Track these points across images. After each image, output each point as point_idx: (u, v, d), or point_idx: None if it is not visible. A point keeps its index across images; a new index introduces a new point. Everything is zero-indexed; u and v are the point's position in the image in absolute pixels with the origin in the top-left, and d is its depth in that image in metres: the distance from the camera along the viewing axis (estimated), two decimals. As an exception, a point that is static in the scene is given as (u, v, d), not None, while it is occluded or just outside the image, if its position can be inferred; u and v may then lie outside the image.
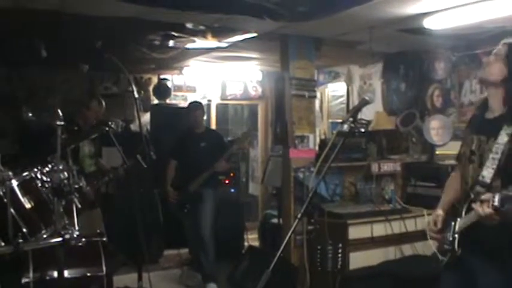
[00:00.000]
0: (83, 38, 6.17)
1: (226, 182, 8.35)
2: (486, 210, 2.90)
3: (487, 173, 3.18)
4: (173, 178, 6.89)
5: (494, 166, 3.16)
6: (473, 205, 3.05)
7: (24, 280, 4.16)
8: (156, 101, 9.58)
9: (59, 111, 3.92)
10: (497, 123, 3.24)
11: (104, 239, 4.63)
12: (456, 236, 3.40)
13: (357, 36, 6.33)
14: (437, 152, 7.08)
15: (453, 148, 6.80)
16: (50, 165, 4.37)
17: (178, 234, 7.34)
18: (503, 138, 3.17)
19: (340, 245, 5.68)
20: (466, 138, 3.52)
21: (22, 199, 4.14)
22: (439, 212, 3.67)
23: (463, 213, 3.34)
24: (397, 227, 6.01)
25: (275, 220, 7.24)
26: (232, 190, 8.59)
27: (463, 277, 3.44)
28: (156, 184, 7.05)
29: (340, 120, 8.72)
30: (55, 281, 4.06)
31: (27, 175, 4.23)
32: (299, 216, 3.20)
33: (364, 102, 3.30)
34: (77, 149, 5.67)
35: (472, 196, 3.22)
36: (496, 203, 2.82)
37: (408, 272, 5.66)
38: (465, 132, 3.61)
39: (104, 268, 4.45)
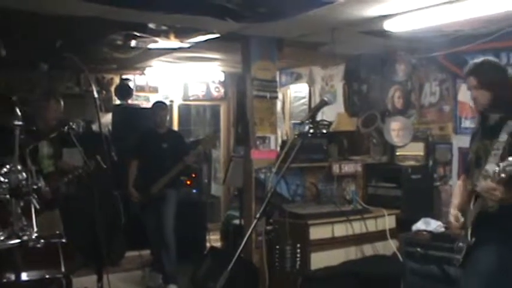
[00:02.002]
0: (43, 37, 6.09)
1: (188, 182, 8.34)
2: (489, 184, 3.30)
3: (490, 167, 3.41)
4: (135, 178, 6.85)
5: (497, 159, 3.40)
6: (477, 187, 3.44)
7: (-20, 283, 4.10)
8: (118, 101, 9.51)
9: (18, 110, 3.87)
10: (497, 125, 3.56)
11: (63, 240, 4.58)
12: (469, 227, 3.65)
13: (319, 38, 6.37)
14: (397, 153, 7.16)
15: (413, 149, 6.94)
16: (7, 166, 4.31)
17: (140, 235, 7.30)
18: (503, 136, 3.46)
19: (299, 245, 5.70)
20: (471, 148, 3.84)
21: (-22, 200, 4.08)
22: (455, 211, 3.86)
23: (471, 206, 3.64)
24: (358, 227, 6.05)
25: (237, 221, 7.25)
26: (195, 191, 8.57)
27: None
28: (118, 185, 7.01)
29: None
30: (12, 284, 4.00)
31: (-17, 176, 4.17)
32: (257, 216, 3.22)
33: (323, 103, 3.33)
34: (35, 149, 5.58)
35: (477, 188, 3.51)
36: (498, 171, 3.19)
37: (369, 272, 5.72)
38: (470, 145, 3.92)
39: (63, 269, 4.40)
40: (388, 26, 5.57)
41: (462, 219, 3.74)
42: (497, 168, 3.23)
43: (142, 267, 7.50)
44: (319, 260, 5.75)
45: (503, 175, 3.18)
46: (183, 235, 7.00)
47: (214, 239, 8.27)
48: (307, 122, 3.22)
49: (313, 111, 3.28)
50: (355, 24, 5.69)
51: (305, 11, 5.15)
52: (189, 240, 7.52)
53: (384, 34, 5.94)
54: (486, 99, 3.66)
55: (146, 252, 7.69)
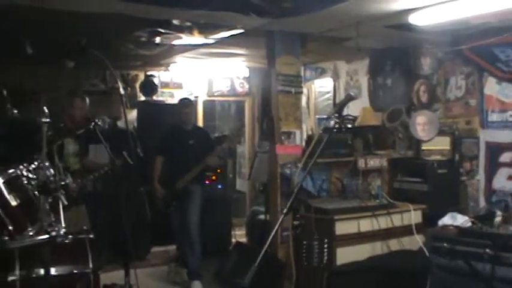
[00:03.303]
0: (68, 35, 6.14)
1: (214, 178, 8.36)
2: None
3: None
4: (160, 174, 6.88)
5: None
6: None
7: (10, 278, 4.14)
8: (142, 98, 9.57)
9: (45, 108, 3.91)
10: None
11: (91, 235, 4.62)
12: None
13: (344, 32, 6.33)
14: (423, 148, 7.10)
15: (439, 144, 6.89)
16: (35, 163, 4.37)
17: (165, 231, 7.34)
18: None
19: (327, 240, 5.69)
20: None
21: (8, 196, 4.14)
22: None
23: None
24: (383, 222, 6.02)
25: (262, 216, 7.26)
26: (220, 186, 8.59)
27: None
28: (143, 181, 7.05)
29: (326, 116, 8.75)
30: (42, 279, 4.05)
31: (13, 172, 4.22)
32: (285, 211, 3.21)
33: (349, 98, 3.32)
34: (61, 147, 5.64)
35: None
36: None
37: (395, 267, 5.68)
38: None
39: (91, 265, 4.44)
40: (413, 19, 5.53)
41: None
42: None
43: (167, 263, 7.55)
44: (345, 255, 5.74)
45: None
46: (209, 230, 7.03)
47: (239, 234, 8.30)
48: (333, 116, 3.21)
49: (339, 106, 3.28)
50: (380, 18, 5.66)
51: (330, 5, 5.13)
52: (215, 235, 7.55)
53: (409, 28, 5.89)
54: None
55: (172, 248, 7.73)
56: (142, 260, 7.71)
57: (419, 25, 5.71)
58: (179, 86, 9.97)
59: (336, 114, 3.20)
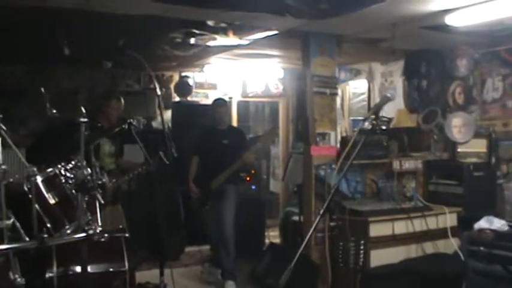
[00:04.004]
0: (105, 36, 6.21)
1: (248, 179, 8.38)
2: None
3: None
4: (195, 174, 6.92)
5: None
6: None
7: (48, 275, 4.21)
8: (177, 98, 9.63)
9: (83, 108, 3.96)
10: None
11: (126, 234, 4.67)
12: None
13: (379, 34, 6.31)
14: (459, 150, 7.04)
15: (475, 146, 6.81)
16: (73, 162, 4.43)
17: (199, 231, 7.38)
18: None
19: (363, 242, 5.67)
20: None
21: (46, 195, 4.21)
22: None
23: None
24: (418, 224, 5.98)
25: (296, 217, 7.25)
26: (253, 187, 8.60)
27: None
28: (178, 181, 7.10)
29: (361, 118, 8.70)
30: (78, 276, 4.10)
31: (51, 171, 4.30)
32: (321, 212, 3.21)
33: (386, 100, 3.31)
34: (97, 147, 5.70)
35: None
36: None
37: (430, 270, 5.65)
38: None
39: (127, 263, 4.49)
40: (450, 20, 5.49)
41: None
42: None
43: (201, 263, 7.59)
44: (379, 257, 5.72)
45: None
46: (242, 231, 7.04)
47: (272, 235, 8.30)
48: (370, 118, 3.20)
49: (376, 107, 3.27)
50: (416, 19, 5.62)
51: (366, 6, 5.11)
52: (248, 236, 7.56)
53: (445, 29, 5.84)
54: None
55: (205, 248, 7.76)
56: (177, 260, 7.75)
57: (455, 26, 5.66)
58: (213, 87, 10.01)
59: (373, 116, 3.19)
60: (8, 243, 3.64)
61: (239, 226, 6.87)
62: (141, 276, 5.80)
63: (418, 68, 7.56)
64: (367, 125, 3.34)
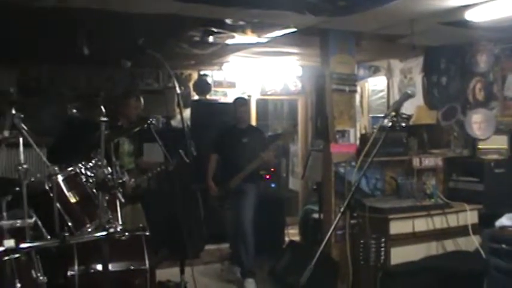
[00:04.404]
0: (124, 35, 6.23)
1: (267, 177, 8.38)
2: None
3: None
4: (214, 173, 6.94)
5: None
6: None
7: (69, 273, 4.25)
8: (196, 97, 9.65)
9: (102, 107, 3.98)
10: None
11: (147, 233, 4.69)
12: None
13: (398, 30, 6.27)
14: (479, 147, 6.99)
15: (496, 142, 6.76)
16: (93, 161, 4.46)
17: (219, 229, 7.39)
18: None
19: (384, 239, 5.65)
20: None
21: (67, 194, 4.25)
22: None
23: None
24: (439, 222, 5.96)
25: (316, 215, 7.24)
26: (273, 185, 8.61)
27: None
28: (197, 179, 7.12)
29: (381, 115, 8.67)
30: (99, 274, 4.14)
31: (72, 170, 4.34)
32: (342, 210, 3.20)
33: (406, 96, 3.30)
34: (117, 146, 5.73)
35: None
36: None
37: (451, 268, 5.61)
38: None
39: (147, 262, 4.52)
40: (470, 15, 5.44)
41: None
42: None
43: (221, 261, 7.61)
44: (400, 254, 5.70)
45: None
46: (262, 229, 7.04)
47: (292, 233, 8.30)
48: (390, 115, 3.19)
49: (396, 104, 3.26)
50: (435, 15, 5.57)
51: (385, 3, 5.08)
52: (268, 234, 7.57)
53: (465, 24, 5.80)
54: None
55: (225, 246, 7.78)
56: (196, 258, 7.78)
57: (475, 21, 5.61)
58: (232, 85, 10.01)
59: (393, 113, 3.18)
60: (30, 242, 3.66)
61: (259, 224, 6.87)
62: (162, 274, 5.83)
63: (438, 64, 7.52)
64: (386, 122, 3.33)
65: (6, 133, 4.08)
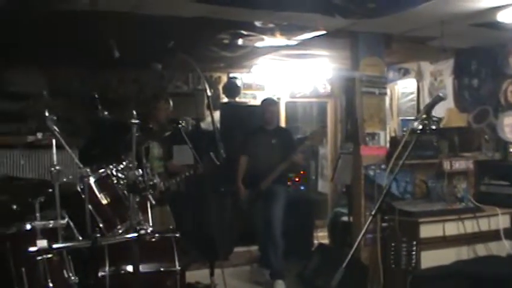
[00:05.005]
0: (155, 38, 6.28)
1: (296, 179, 8.37)
2: None
3: None
4: (244, 174, 6.93)
5: None
6: None
7: (100, 273, 4.29)
8: (225, 99, 9.68)
9: (134, 110, 4.02)
10: None
11: (177, 234, 4.72)
12: None
13: (428, 32, 6.23)
14: (511, 150, 6.90)
15: (529, 146, 6.66)
16: (124, 163, 4.51)
17: (247, 231, 7.40)
18: None
19: (415, 243, 5.61)
20: None
21: (99, 195, 4.30)
22: None
23: None
24: (470, 226, 5.89)
25: (345, 218, 7.22)
26: (302, 188, 8.60)
27: None
28: (225, 181, 7.13)
29: (411, 118, 8.63)
30: (130, 275, 4.17)
31: (103, 172, 4.38)
32: (373, 213, 3.19)
33: (438, 99, 3.27)
34: (147, 149, 5.77)
35: None
36: None
37: (482, 273, 5.54)
38: None
39: (177, 263, 4.54)
40: (502, 17, 5.39)
41: None
42: None
43: (250, 263, 7.61)
44: (430, 258, 5.65)
45: None
46: (291, 232, 7.04)
47: (321, 236, 8.28)
48: (422, 118, 3.18)
49: (428, 107, 3.24)
50: (466, 16, 5.53)
51: (415, 4, 5.05)
52: (297, 236, 7.56)
53: (497, 26, 5.75)
54: None
55: (254, 248, 7.78)
56: (225, 260, 7.79)
57: (508, 23, 5.55)
58: (261, 88, 10.01)
59: (424, 115, 3.17)
60: (62, 242, 3.72)
61: (288, 227, 6.87)
62: (191, 276, 5.85)
63: (469, 67, 7.45)
64: (417, 124, 3.31)
65: (39, 135, 4.15)
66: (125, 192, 4.32)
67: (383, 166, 6.10)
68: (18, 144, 6.53)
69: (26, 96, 8.29)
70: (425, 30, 6.18)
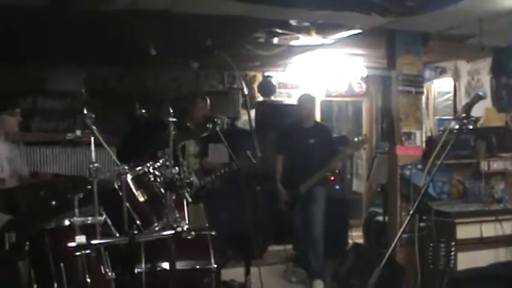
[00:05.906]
0: (191, 37, 6.31)
1: (332, 178, 8.33)
2: None
3: None
4: (281, 174, 6.84)
5: None
6: None
7: (137, 270, 4.33)
8: (260, 98, 9.69)
9: (170, 108, 4.05)
10: None
11: (213, 232, 4.74)
12: None
13: (466, 30, 6.17)
14: (550, 150, 6.81)
15: None
16: (161, 160, 4.54)
17: (282, 230, 7.39)
18: None
19: (453, 244, 5.56)
20: None
21: (136, 193, 4.34)
22: None
23: None
24: (508, 227, 5.83)
25: (380, 218, 7.18)
26: (337, 187, 8.56)
27: None
28: (260, 180, 7.13)
29: (448, 117, 8.56)
30: (166, 272, 4.21)
31: (140, 169, 4.42)
32: (411, 213, 3.17)
33: (477, 98, 3.25)
34: (183, 147, 5.80)
35: None
36: None
37: (519, 276, 5.48)
38: None
39: (213, 261, 4.56)
40: (541, 15, 5.32)
41: None
42: None
43: (284, 262, 7.60)
44: (466, 260, 5.60)
45: None
46: (326, 231, 7.01)
47: (356, 236, 8.24)
48: (461, 117, 3.15)
49: (467, 106, 3.22)
50: (505, 14, 5.46)
51: (453, 2, 5.00)
52: (332, 236, 7.53)
53: (536, 24, 5.67)
54: None
55: (290, 247, 7.77)
56: (260, 259, 7.79)
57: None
58: (296, 87, 10.00)
59: (464, 115, 3.14)
60: (100, 239, 3.76)
61: (324, 226, 6.83)
62: (226, 274, 5.87)
63: (507, 65, 7.36)
64: (453, 124, 3.29)
65: (78, 132, 4.21)
66: (162, 189, 4.36)
67: (419, 166, 6.05)
68: (58, 142, 6.63)
69: (65, 95, 8.44)
70: (463, 29, 6.11)
